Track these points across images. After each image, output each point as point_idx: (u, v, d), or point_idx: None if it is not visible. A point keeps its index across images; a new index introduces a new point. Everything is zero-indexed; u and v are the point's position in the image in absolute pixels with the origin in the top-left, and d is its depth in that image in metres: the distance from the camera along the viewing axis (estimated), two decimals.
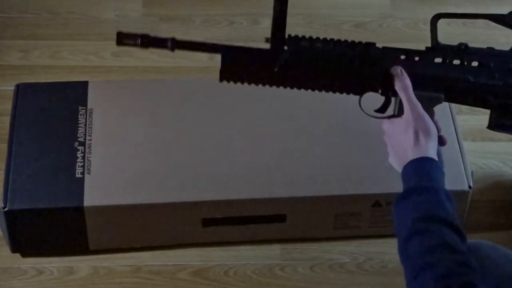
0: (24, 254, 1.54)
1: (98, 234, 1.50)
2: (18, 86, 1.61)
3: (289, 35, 1.18)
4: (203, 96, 1.62)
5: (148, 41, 1.16)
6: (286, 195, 1.49)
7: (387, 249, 1.56)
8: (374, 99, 1.20)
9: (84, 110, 1.57)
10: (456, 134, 1.58)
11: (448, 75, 1.19)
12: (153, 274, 1.54)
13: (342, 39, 1.19)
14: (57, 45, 1.89)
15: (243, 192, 1.49)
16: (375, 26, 1.98)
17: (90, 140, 1.53)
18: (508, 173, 1.71)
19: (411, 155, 1.11)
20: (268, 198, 1.49)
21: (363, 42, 1.20)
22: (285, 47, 1.18)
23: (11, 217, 1.45)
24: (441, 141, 1.18)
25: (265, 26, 1.96)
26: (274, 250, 1.57)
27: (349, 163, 1.53)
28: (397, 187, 1.51)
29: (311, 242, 1.57)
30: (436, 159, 1.12)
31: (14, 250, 1.52)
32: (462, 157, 1.55)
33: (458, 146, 1.57)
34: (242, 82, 1.20)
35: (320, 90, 1.21)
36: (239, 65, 1.19)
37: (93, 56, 1.86)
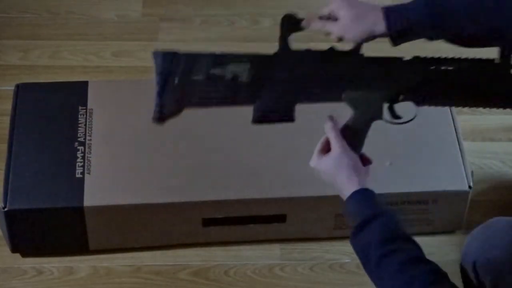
0: (24, 254, 1.54)
1: (98, 234, 1.50)
2: (18, 86, 1.61)
3: None
4: None
5: None
6: (286, 195, 1.49)
7: None
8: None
9: (84, 110, 1.57)
10: (456, 134, 1.58)
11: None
12: (153, 274, 1.54)
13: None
14: (57, 45, 1.89)
15: (243, 192, 1.49)
16: None
17: (90, 140, 1.53)
18: (508, 173, 1.71)
19: (350, 188, 1.15)
20: (268, 198, 1.49)
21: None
22: None
23: (11, 217, 1.45)
24: (365, 162, 1.23)
25: (265, 26, 1.96)
26: (274, 250, 1.57)
27: None
28: (397, 187, 1.52)
29: (311, 242, 1.57)
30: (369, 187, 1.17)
31: (14, 250, 1.52)
32: (462, 157, 1.55)
33: (458, 146, 1.57)
34: None
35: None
36: None
37: (93, 56, 1.86)
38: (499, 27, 1.13)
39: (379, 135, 1.56)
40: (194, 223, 1.51)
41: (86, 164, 1.49)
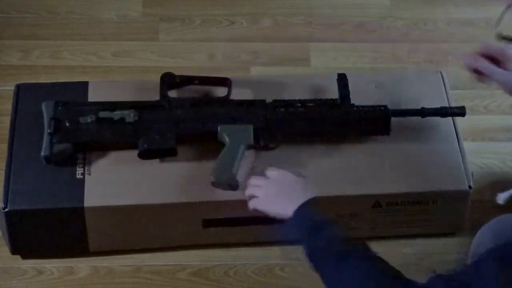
0: (24, 256, 1.53)
1: (98, 235, 1.50)
2: (18, 86, 1.60)
3: None
4: None
5: None
6: None
7: (388, 250, 1.55)
8: None
9: None
10: (456, 134, 1.58)
11: None
12: (153, 274, 1.54)
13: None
14: (57, 45, 1.89)
15: (243, 193, 1.48)
16: (375, 26, 1.98)
17: None
18: (508, 173, 1.71)
19: (302, 198, 1.33)
20: None
21: None
22: None
23: (12, 217, 1.45)
24: None
25: (265, 26, 1.96)
26: (274, 250, 1.57)
27: (349, 163, 1.53)
28: (397, 187, 1.52)
29: None
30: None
31: (14, 251, 1.52)
32: (462, 157, 1.55)
33: (458, 146, 1.57)
34: None
35: None
36: None
37: (93, 56, 1.86)
38: None
39: (379, 136, 1.57)
40: (194, 224, 1.51)
41: (86, 164, 1.49)
